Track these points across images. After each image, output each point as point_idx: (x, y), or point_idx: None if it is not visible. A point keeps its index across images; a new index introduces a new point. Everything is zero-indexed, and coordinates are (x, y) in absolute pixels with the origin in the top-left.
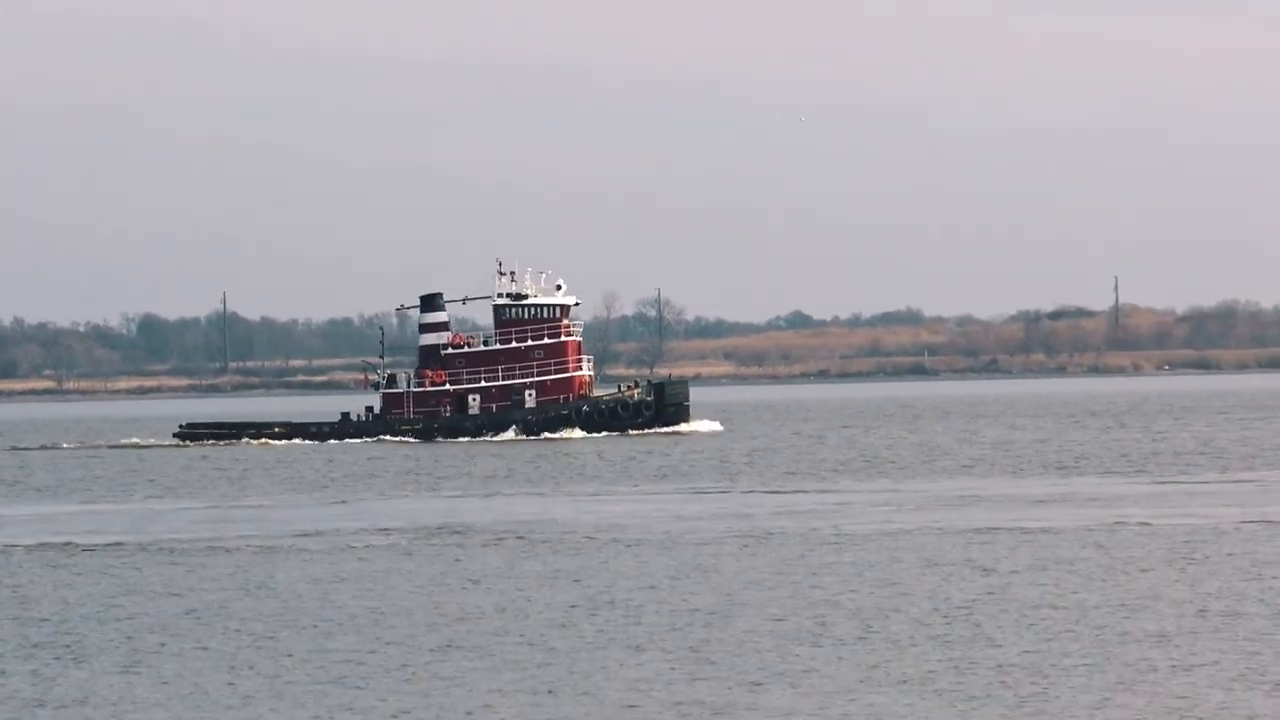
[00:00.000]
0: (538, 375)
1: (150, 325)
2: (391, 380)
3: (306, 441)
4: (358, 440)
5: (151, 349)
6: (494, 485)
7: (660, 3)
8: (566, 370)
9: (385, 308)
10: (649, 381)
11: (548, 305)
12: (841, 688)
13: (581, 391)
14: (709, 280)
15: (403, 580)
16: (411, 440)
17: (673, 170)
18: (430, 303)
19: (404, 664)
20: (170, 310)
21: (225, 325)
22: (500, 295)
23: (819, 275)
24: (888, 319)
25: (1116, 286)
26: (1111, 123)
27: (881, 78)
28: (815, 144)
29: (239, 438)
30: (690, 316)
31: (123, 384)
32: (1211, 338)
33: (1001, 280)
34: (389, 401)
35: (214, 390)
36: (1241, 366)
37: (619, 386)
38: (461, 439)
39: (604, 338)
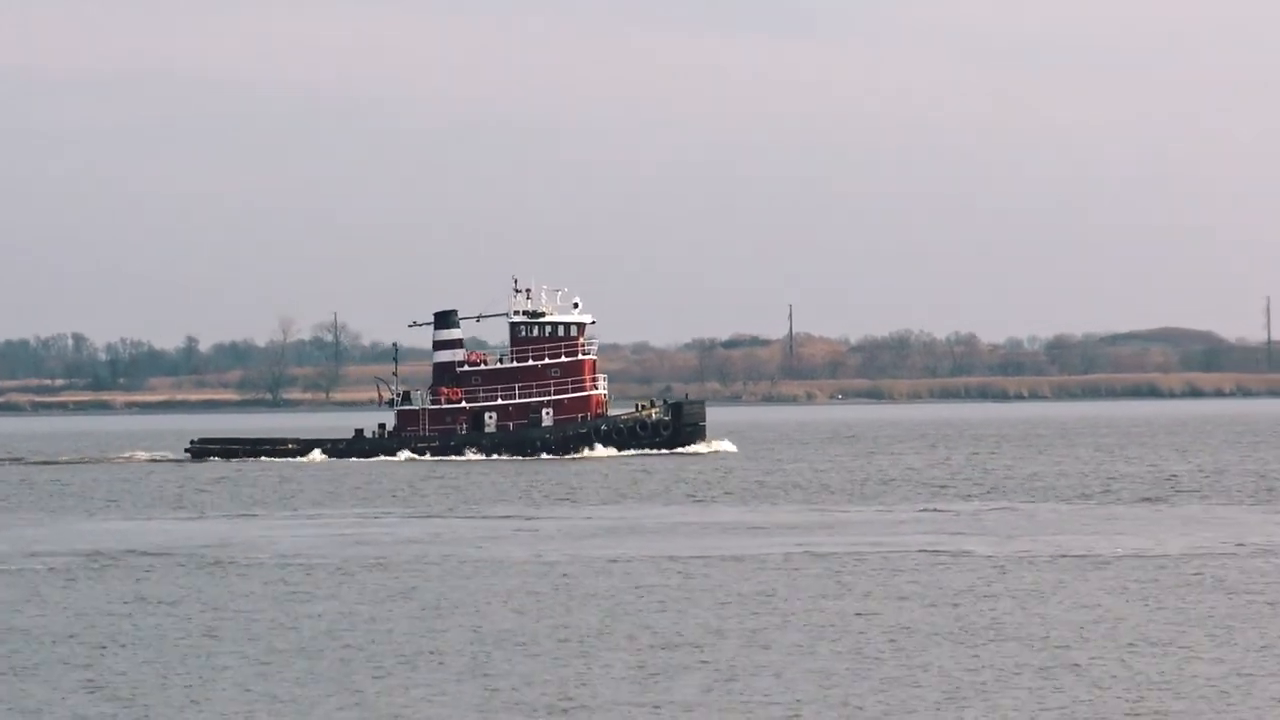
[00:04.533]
0: (555, 394)
1: None
2: (406, 397)
3: (322, 457)
4: (374, 458)
5: None
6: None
7: (332, 25)
8: (583, 389)
9: (61, 329)
10: (666, 401)
11: (564, 323)
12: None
13: (598, 410)
14: (386, 304)
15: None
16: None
17: (347, 189)
18: (445, 319)
19: None
20: None
21: None
22: (516, 313)
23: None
24: None
25: (791, 315)
26: (785, 153)
27: (536, 101)
28: (482, 165)
29: (253, 454)
30: (367, 341)
31: None
32: (884, 367)
33: (677, 308)
34: (404, 418)
35: None
36: (914, 396)
37: (636, 405)
38: (473, 456)
39: (279, 362)
